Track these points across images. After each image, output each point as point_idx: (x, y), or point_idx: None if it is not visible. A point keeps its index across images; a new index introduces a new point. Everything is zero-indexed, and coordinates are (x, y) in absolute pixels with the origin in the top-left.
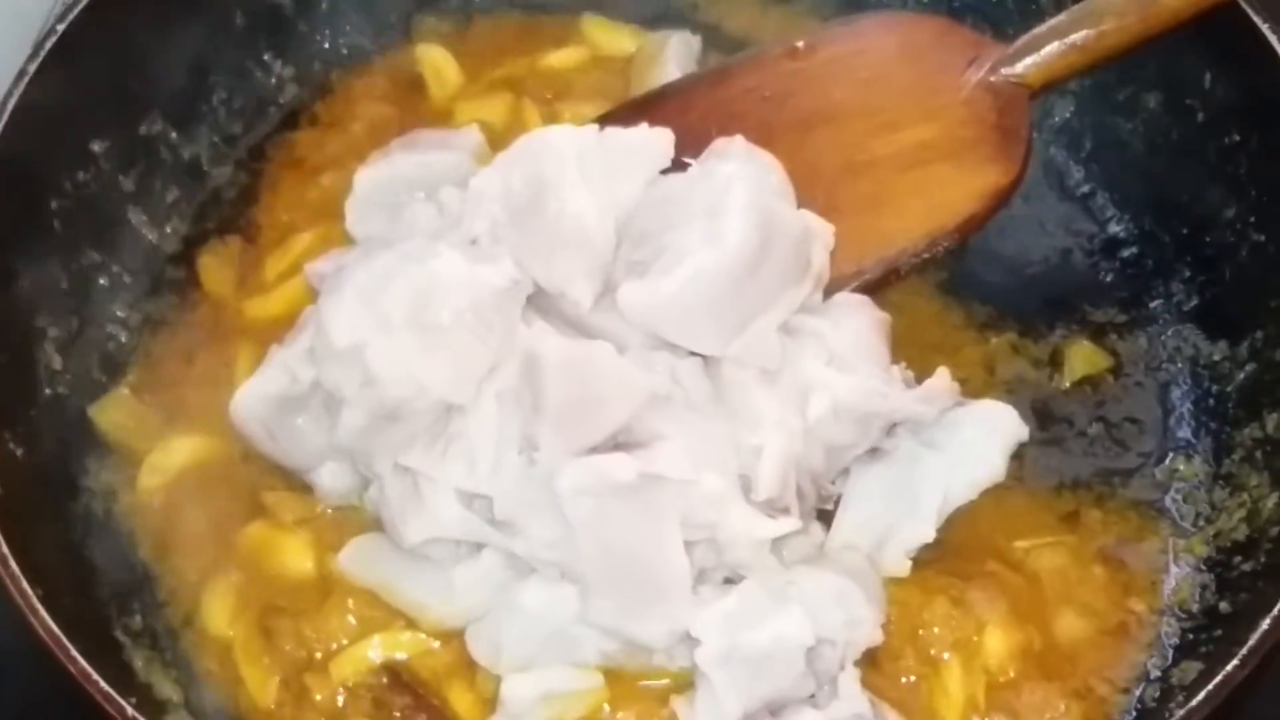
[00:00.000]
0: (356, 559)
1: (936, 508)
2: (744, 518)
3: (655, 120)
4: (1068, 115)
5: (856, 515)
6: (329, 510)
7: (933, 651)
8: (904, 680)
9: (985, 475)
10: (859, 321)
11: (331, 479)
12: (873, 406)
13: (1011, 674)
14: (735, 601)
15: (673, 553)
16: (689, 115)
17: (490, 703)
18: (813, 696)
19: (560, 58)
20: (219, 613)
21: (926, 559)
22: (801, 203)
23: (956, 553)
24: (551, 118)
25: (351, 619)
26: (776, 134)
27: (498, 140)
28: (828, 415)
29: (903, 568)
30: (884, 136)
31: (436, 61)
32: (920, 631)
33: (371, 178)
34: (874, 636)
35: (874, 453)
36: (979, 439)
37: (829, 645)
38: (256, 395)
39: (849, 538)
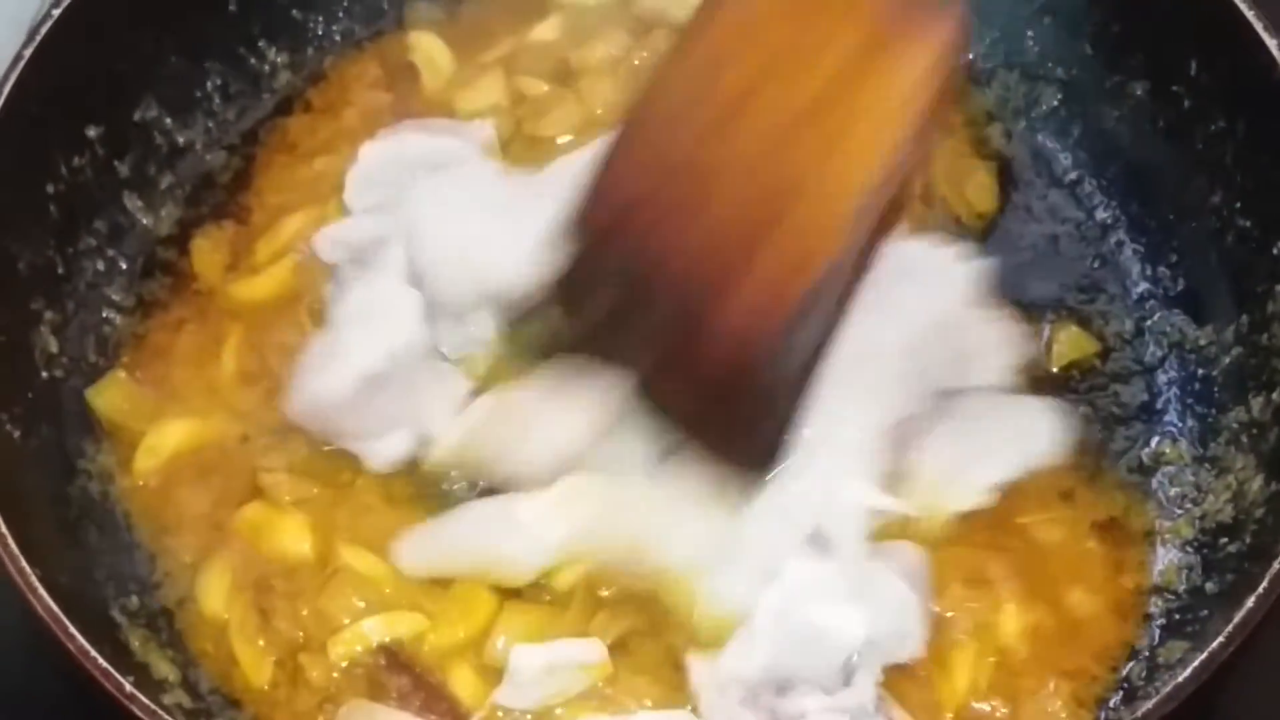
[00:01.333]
0: (414, 550)
1: (1016, 450)
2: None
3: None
4: (1055, 104)
5: (937, 454)
6: (327, 491)
7: (955, 637)
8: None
9: (1047, 453)
10: None
11: (396, 445)
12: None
13: (1023, 655)
14: (825, 570)
15: None
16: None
17: (491, 681)
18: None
19: (545, 29)
20: (214, 594)
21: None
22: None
23: (972, 533)
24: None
25: (350, 600)
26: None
27: (507, 114)
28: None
29: (982, 500)
30: (802, 77)
31: (429, 50)
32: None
33: (379, 152)
34: (916, 652)
35: (941, 411)
36: (1038, 422)
37: (871, 646)
38: (337, 393)
39: (931, 471)
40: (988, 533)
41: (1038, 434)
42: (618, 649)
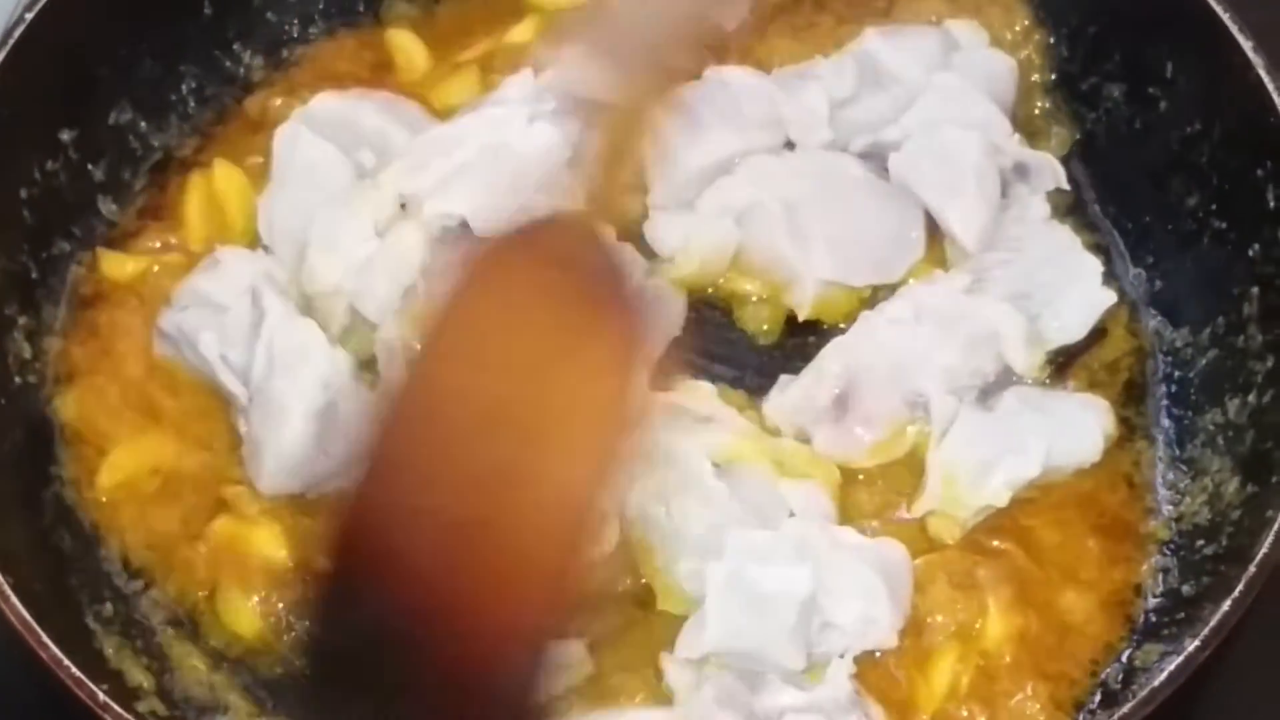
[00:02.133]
0: None
1: (1044, 451)
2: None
3: None
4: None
5: (961, 445)
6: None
7: (936, 639)
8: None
9: (1088, 450)
10: None
11: None
12: None
13: (1006, 660)
14: (765, 538)
15: None
16: None
17: None
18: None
19: (520, 31)
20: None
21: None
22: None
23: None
24: None
25: None
26: None
27: None
28: None
29: (1001, 498)
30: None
31: (406, 47)
32: (927, 620)
33: (332, 107)
34: (887, 640)
35: (982, 400)
36: (1079, 418)
37: (836, 631)
38: (299, 443)
39: (950, 458)
40: (982, 534)
41: (1074, 431)
42: (603, 648)
